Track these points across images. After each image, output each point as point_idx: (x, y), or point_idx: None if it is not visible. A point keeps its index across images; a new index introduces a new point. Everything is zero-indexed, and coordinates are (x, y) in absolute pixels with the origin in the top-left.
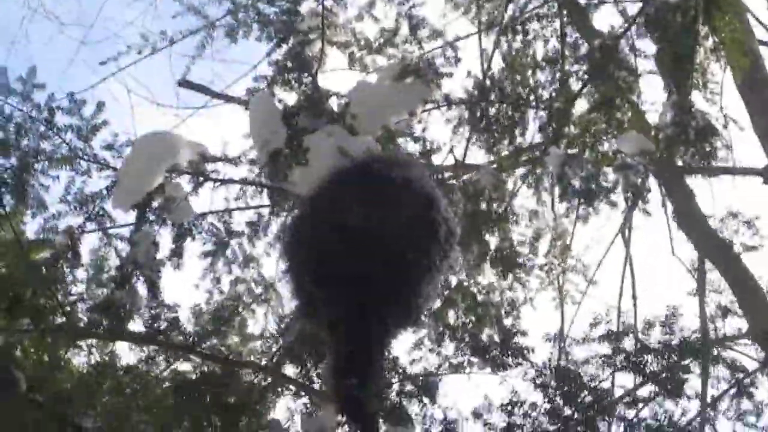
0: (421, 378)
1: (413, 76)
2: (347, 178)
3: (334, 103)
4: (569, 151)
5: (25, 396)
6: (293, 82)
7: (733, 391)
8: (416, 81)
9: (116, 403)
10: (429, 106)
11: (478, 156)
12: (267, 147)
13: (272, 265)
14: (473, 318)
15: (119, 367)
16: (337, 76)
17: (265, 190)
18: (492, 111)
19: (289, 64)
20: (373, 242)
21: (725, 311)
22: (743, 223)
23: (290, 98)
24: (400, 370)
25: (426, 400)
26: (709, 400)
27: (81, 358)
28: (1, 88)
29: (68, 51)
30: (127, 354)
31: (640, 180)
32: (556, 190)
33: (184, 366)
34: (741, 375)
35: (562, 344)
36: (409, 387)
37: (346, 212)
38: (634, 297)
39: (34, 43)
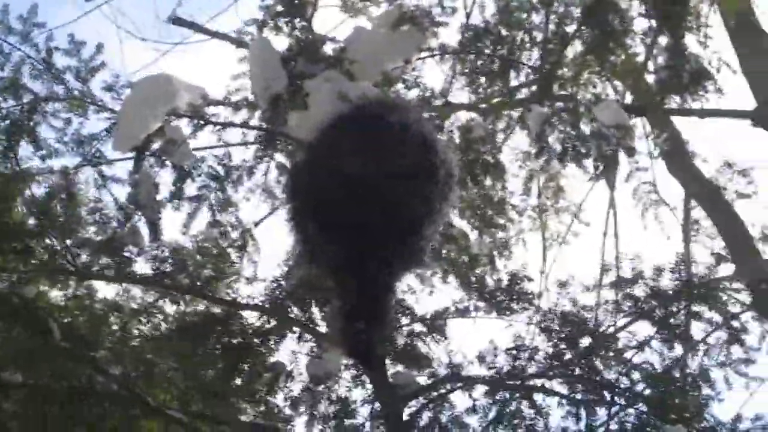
0: (429, 319)
1: (409, 23)
2: (345, 124)
3: (329, 49)
4: (562, 93)
5: (59, 344)
6: (286, 27)
7: (724, 336)
8: (412, 29)
9: (134, 347)
10: (424, 54)
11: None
12: (267, 91)
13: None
14: (466, 258)
15: (127, 308)
16: (330, 21)
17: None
18: (486, 54)
19: (281, 9)
20: (372, 188)
21: (719, 258)
22: (738, 172)
23: (282, 43)
24: (408, 312)
25: (436, 339)
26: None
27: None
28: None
29: None
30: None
31: (611, 152)
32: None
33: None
34: (730, 317)
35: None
36: (417, 328)
37: (346, 159)
38: (615, 236)
39: None
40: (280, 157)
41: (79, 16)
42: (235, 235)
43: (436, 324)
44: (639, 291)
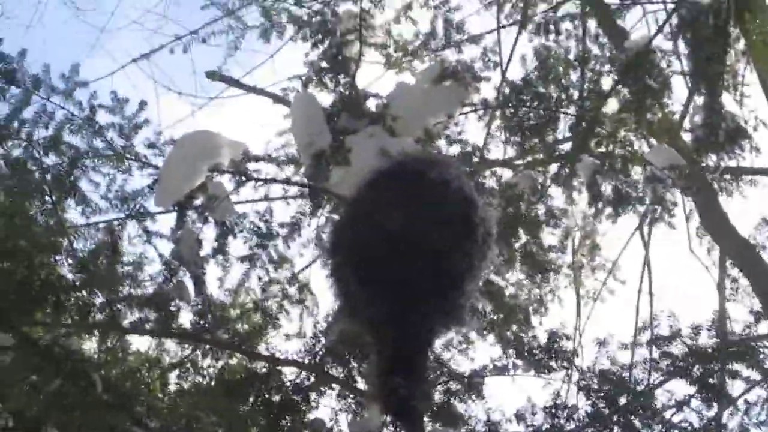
0: (466, 377)
1: (451, 79)
2: (386, 179)
3: (372, 104)
4: (599, 150)
5: (101, 397)
6: (330, 82)
7: (764, 395)
8: (454, 84)
9: (173, 401)
10: (466, 108)
11: (507, 153)
12: (311, 148)
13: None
14: (501, 316)
15: (166, 363)
16: (373, 77)
17: (306, 190)
18: (524, 110)
19: (325, 65)
20: (413, 243)
21: (758, 316)
22: None
23: (326, 99)
24: (446, 370)
25: (473, 398)
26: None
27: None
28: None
29: (84, 36)
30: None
31: (667, 193)
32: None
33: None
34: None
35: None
36: (455, 386)
37: (387, 214)
38: (650, 293)
39: (48, 27)
40: (327, 213)
41: (116, 70)
42: (292, 291)
43: (473, 382)
44: (676, 349)
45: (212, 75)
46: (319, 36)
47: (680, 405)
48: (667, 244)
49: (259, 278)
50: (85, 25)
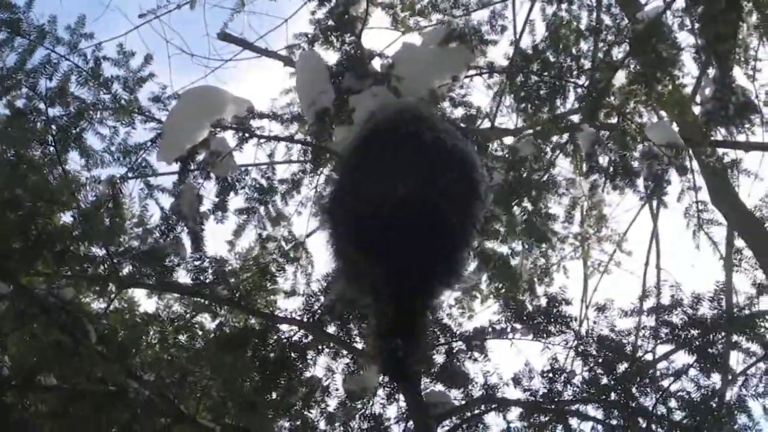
0: (468, 337)
1: (458, 41)
2: (380, 139)
3: (377, 64)
4: (608, 121)
5: (95, 347)
6: (336, 41)
7: (764, 368)
8: (460, 46)
9: (170, 356)
10: (472, 72)
11: (514, 122)
12: (314, 106)
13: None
14: (505, 282)
15: (165, 318)
16: (380, 36)
17: (309, 149)
18: (533, 79)
19: (332, 23)
20: (412, 207)
21: (760, 288)
22: None
23: (332, 57)
24: (447, 331)
25: (476, 357)
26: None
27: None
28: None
29: None
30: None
31: (662, 171)
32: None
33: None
34: None
35: (585, 310)
36: (458, 346)
37: (383, 176)
38: (657, 267)
39: None
40: (327, 172)
41: (128, 30)
42: (288, 248)
43: (474, 342)
44: (677, 319)
45: (224, 36)
46: None
47: (678, 374)
48: (677, 218)
49: (259, 235)
50: None
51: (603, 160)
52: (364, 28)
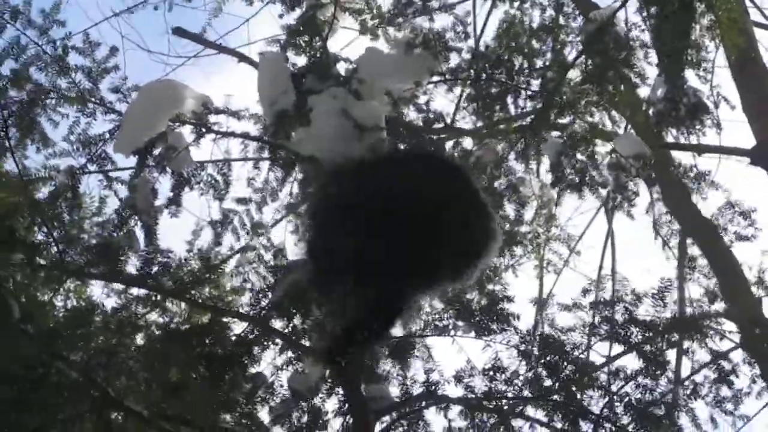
0: (396, 341)
1: (422, 47)
2: (373, 166)
3: (342, 68)
4: (559, 121)
5: (17, 325)
6: (304, 45)
7: (713, 376)
8: (424, 52)
9: (106, 342)
10: (435, 78)
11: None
12: (274, 106)
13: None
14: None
15: (108, 308)
16: (348, 42)
17: (267, 146)
18: (484, 77)
19: (301, 29)
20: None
21: (713, 296)
22: (740, 213)
23: (301, 61)
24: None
25: (396, 362)
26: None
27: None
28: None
29: None
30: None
31: (630, 182)
32: (543, 160)
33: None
34: (720, 360)
35: (541, 313)
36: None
37: (373, 199)
38: (613, 271)
39: None
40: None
41: (90, 26)
42: (268, 256)
43: (401, 345)
44: (620, 316)
45: (178, 31)
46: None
47: (627, 378)
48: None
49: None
50: None
51: (569, 171)
52: (330, 33)
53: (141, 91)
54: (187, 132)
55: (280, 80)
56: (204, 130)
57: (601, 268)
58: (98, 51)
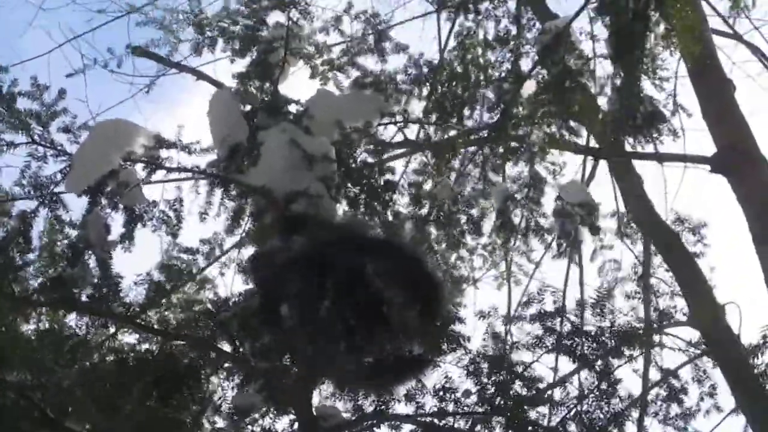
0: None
1: (372, 88)
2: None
3: (293, 109)
4: (516, 132)
5: None
6: (254, 90)
7: (663, 394)
8: (375, 93)
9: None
10: (386, 120)
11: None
12: (226, 140)
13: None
14: None
15: (62, 334)
16: (299, 85)
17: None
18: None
19: (252, 74)
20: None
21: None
22: (689, 229)
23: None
24: None
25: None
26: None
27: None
28: None
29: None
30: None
31: (574, 230)
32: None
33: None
34: (671, 378)
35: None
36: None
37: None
38: (580, 283)
39: None
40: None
41: (52, 48)
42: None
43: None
44: (564, 327)
45: (137, 51)
46: (247, 46)
47: (580, 398)
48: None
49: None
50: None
51: (515, 217)
52: (281, 76)
53: (92, 130)
54: (139, 168)
55: (231, 115)
56: (155, 166)
57: (566, 282)
58: (47, 93)
